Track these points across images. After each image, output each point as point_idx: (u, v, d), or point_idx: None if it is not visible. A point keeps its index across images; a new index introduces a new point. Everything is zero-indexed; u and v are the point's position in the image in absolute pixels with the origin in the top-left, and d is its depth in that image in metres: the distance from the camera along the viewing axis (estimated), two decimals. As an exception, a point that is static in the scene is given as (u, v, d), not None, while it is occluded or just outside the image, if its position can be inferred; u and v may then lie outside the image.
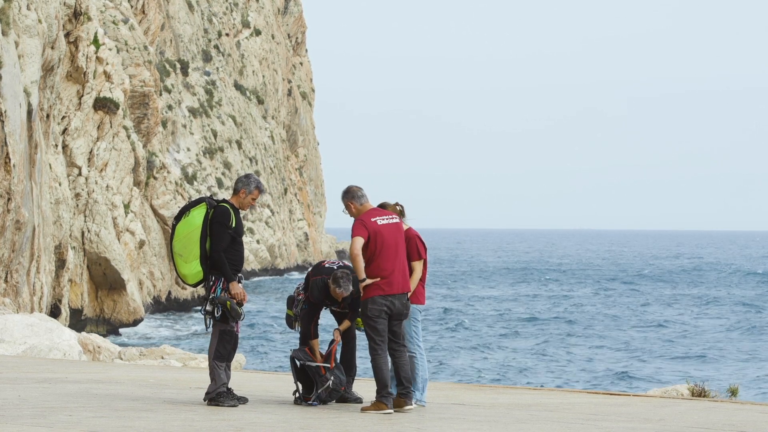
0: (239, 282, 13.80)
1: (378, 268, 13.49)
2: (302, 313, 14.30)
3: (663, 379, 45.69)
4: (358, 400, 14.31)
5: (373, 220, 13.61)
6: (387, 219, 13.69)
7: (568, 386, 43.32)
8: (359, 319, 14.33)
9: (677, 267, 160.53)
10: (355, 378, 14.81)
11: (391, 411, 13.50)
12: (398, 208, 14.12)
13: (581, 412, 14.12)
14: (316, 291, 14.16)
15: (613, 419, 13.50)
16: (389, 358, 13.64)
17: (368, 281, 13.48)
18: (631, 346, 59.65)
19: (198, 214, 13.79)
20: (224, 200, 13.92)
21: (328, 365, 14.10)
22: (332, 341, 14.27)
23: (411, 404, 13.66)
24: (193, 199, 14.18)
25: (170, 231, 14.05)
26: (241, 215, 13.95)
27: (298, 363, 14.14)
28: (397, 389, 13.66)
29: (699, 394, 17.58)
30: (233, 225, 13.75)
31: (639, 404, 15.20)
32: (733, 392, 18.54)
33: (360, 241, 13.45)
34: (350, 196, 13.82)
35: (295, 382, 14.18)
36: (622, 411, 14.35)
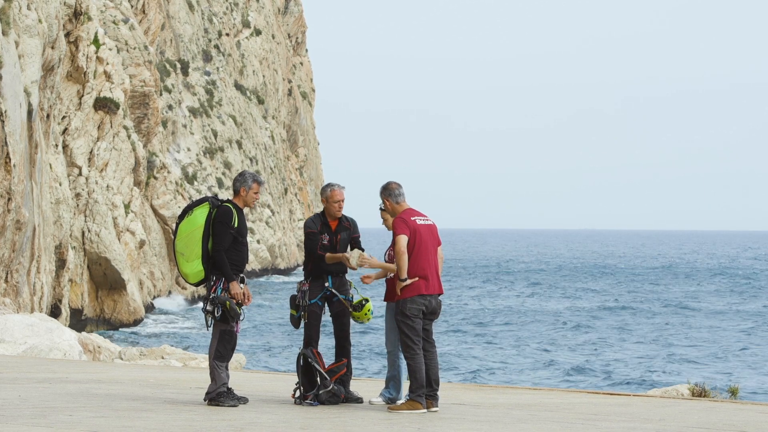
0: (242, 282, 13.81)
1: (416, 266, 13.58)
2: (309, 315, 14.26)
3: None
4: (359, 400, 14.31)
5: (412, 219, 13.70)
6: (423, 220, 13.80)
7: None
8: (356, 313, 14.33)
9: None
10: (352, 377, 14.80)
11: (425, 411, 13.52)
12: None
13: (581, 412, 14.12)
14: (311, 221, 14.27)
15: (613, 419, 13.50)
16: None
17: (408, 281, 13.51)
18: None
19: (201, 214, 13.83)
20: (228, 200, 13.93)
21: (331, 377, 14.10)
22: (339, 363, 14.22)
23: (437, 406, 13.72)
24: (197, 199, 14.16)
25: (174, 230, 14.11)
26: (245, 213, 13.98)
27: (302, 361, 14.11)
28: (425, 390, 13.69)
29: (699, 394, 17.58)
30: (235, 225, 13.77)
31: (639, 404, 15.20)
32: (734, 392, 18.54)
33: (405, 239, 13.51)
34: (387, 192, 13.87)
35: (299, 381, 14.15)
36: (623, 411, 14.35)
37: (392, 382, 14.22)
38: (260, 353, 54.79)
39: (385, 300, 14.19)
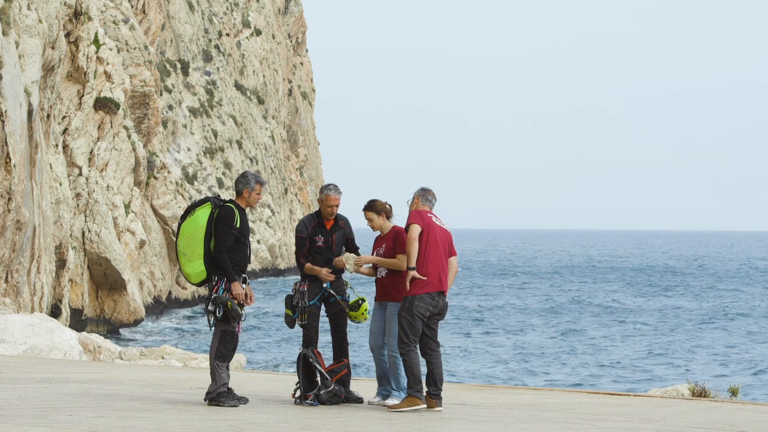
0: (244, 283, 13.82)
1: (425, 262, 13.67)
2: (308, 317, 14.27)
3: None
4: (359, 400, 14.32)
5: (428, 215, 13.84)
6: (440, 222, 13.96)
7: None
8: (353, 313, 14.35)
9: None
10: (352, 377, 14.81)
11: (425, 406, 13.58)
12: (387, 206, 14.22)
13: (582, 412, 14.12)
14: (303, 223, 14.36)
15: (613, 419, 13.51)
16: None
17: (416, 275, 13.54)
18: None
19: (203, 214, 13.84)
20: (230, 200, 13.94)
21: (332, 377, 14.12)
22: (340, 363, 14.24)
23: (441, 405, 13.76)
24: (198, 199, 14.19)
25: (176, 230, 14.20)
26: (247, 213, 14.01)
27: (302, 361, 14.11)
28: (429, 389, 13.73)
29: (699, 394, 17.58)
30: (237, 225, 13.78)
31: (639, 404, 15.21)
32: (734, 392, 18.54)
33: (418, 228, 13.65)
34: (423, 193, 14.07)
35: (299, 381, 14.15)
36: (623, 411, 14.35)
37: (383, 379, 14.24)
38: (261, 353, 54.79)
39: (376, 299, 14.22)
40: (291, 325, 14.37)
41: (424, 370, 13.82)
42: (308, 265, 14.31)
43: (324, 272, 14.22)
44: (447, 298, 13.93)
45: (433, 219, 13.87)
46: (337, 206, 14.37)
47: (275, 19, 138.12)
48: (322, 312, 14.48)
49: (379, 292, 14.19)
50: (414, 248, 13.58)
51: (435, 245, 13.72)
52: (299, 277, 14.57)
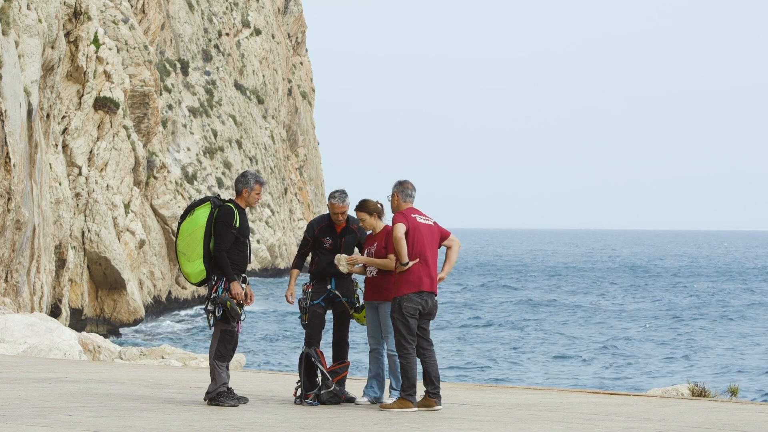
0: (244, 282, 13.82)
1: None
2: (311, 315, 14.28)
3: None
4: (351, 399, 14.32)
5: (413, 216, 13.83)
6: (424, 219, 13.93)
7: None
8: (356, 315, 14.36)
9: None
10: (348, 377, 14.82)
11: (416, 410, 13.57)
12: (379, 206, 14.23)
13: (581, 412, 14.12)
14: (311, 225, 14.39)
15: (613, 419, 13.51)
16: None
17: (411, 264, 13.56)
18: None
19: (202, 214, 13.84)
20: (230, 200, 13.94)
21: (333, 378, 14.14)
22: (342, 364, 14.26)
23: (440, 404, 13.75)
24: (198, 199, 14.20)
25: (175, 230, 14.21)
26: (246, 213, 14.03)
27: (304, 360, 14.10)
28: (427, 388, 13.73)
29: (699, 394, 17.58)
30: (237, 225, 13.79)
31: (639, 404, 15.21)
32: (734, 392, 18.55)
33: (402, 227, 13.65)
34: (401, 188, 14.00)
35: (300, 380, 14.15)
36: (623, 411, 14.35)
37: (376, 380, 14.24)
38: (261, 353, 54.79)
39: (365, 299, 14.22)
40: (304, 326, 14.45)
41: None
42: (293, 271, 14.41)
43: (288, 292, 14.30)
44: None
45: (418, 218, 13.84)
46: (342, 213, 14.32)
47: (275, 18, 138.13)
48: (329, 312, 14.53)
49: (368, 291, 14.19)
50: (402, 246, 13.58)
51: (421, 245, 13.71)
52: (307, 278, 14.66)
